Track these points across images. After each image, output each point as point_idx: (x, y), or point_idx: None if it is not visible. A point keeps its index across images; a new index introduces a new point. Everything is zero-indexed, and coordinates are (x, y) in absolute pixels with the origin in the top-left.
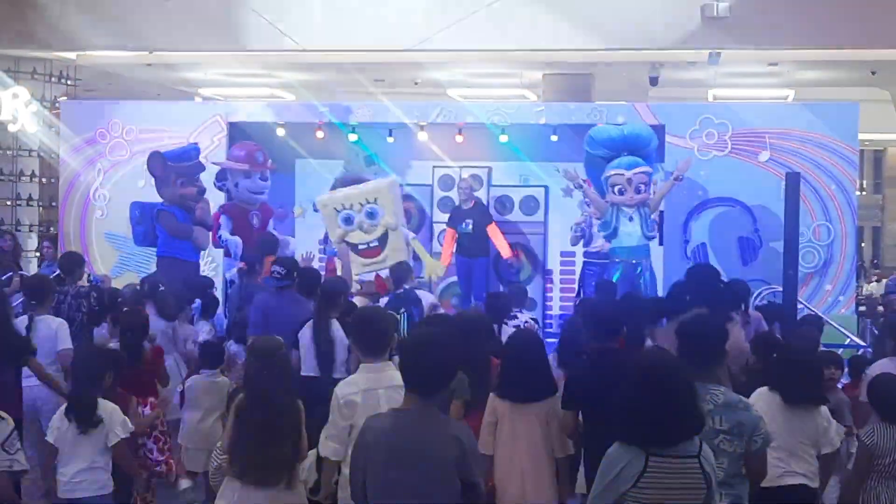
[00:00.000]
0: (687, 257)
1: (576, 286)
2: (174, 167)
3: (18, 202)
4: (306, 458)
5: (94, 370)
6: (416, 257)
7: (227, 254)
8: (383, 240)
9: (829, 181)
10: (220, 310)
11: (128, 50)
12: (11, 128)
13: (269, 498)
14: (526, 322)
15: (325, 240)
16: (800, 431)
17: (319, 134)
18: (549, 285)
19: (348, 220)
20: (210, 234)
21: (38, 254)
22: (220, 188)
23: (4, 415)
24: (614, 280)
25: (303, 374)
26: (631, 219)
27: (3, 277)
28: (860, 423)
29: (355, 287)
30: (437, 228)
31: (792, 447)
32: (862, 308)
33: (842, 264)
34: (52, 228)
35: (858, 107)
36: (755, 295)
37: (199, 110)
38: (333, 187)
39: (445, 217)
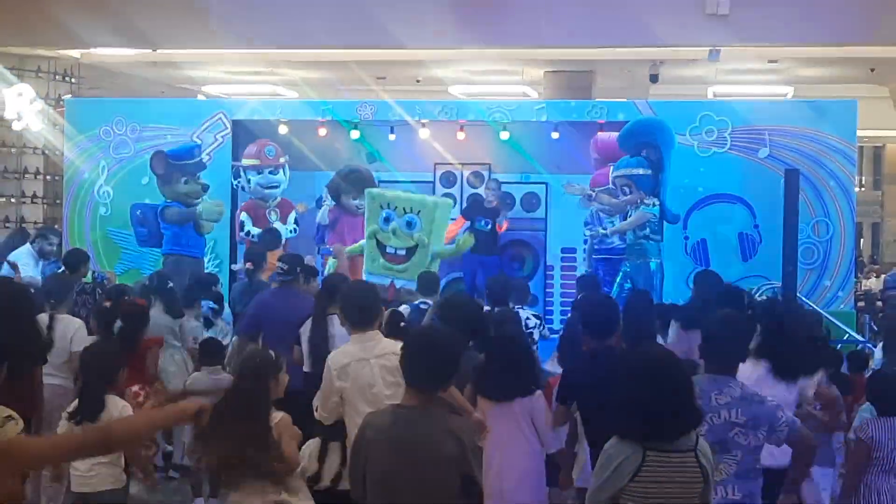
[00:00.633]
0: (686, 254)
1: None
2: (177, 165)
3: (23, 199)
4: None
5: (107, 367)
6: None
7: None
8: (411, 251)
9: (829, 178)
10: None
11: (132, 48)
12: (16, 125)
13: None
14: (528, 319)
15: (320, 238)
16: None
17: (322, 131)
18: (549, 281)
19: (387, 220)
20: (217, 204)
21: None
22: (236, 186)
23: (14, 415)
24: (618, 278)
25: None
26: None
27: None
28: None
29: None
30: None
31: None
32: (861, 304)
33: (840, 260)
34: (56, 226)
35: (857, 103)
36: (755, 291)
37: (203, 108)
38: (333, 180)
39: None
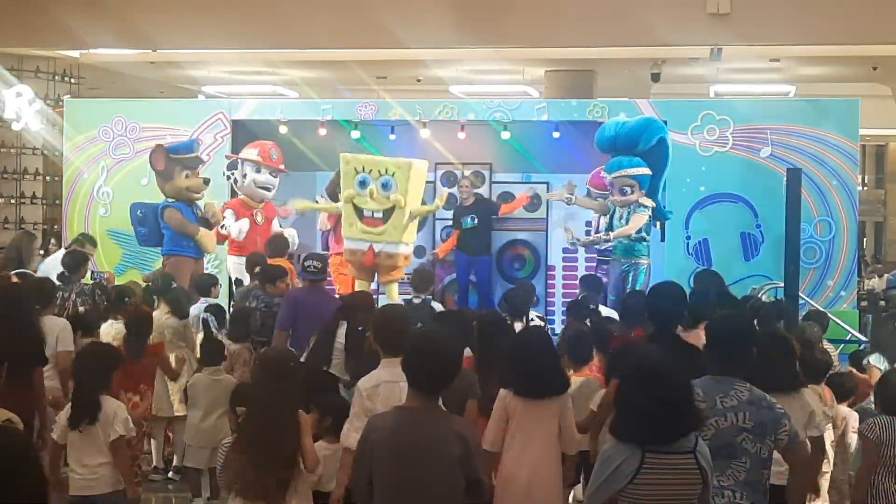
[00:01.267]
0: (689, 253)
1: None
2: (177, 159)
3: (22, 200)
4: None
5: (101, 368)
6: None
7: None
8: (388, 213)
9: (831, 176)
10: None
11: (131, 48)
12: (15, 126)
13: None
14: (532, 320)
15: (325, 244)
16: None
17: (322, 131)
18: (550, 282)
19: (363, 184)
20: (214, 235)
21: (41, 252)
22: (227, 178)
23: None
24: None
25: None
26: (622, 218)
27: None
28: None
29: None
30: (440, 225)
31: None
32: (864, 303)
33: (843, 260)
34: (55, 226)
35: (860, 102)
36: (757, 290)
37: (203, 108)
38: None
39: (448, 214)
